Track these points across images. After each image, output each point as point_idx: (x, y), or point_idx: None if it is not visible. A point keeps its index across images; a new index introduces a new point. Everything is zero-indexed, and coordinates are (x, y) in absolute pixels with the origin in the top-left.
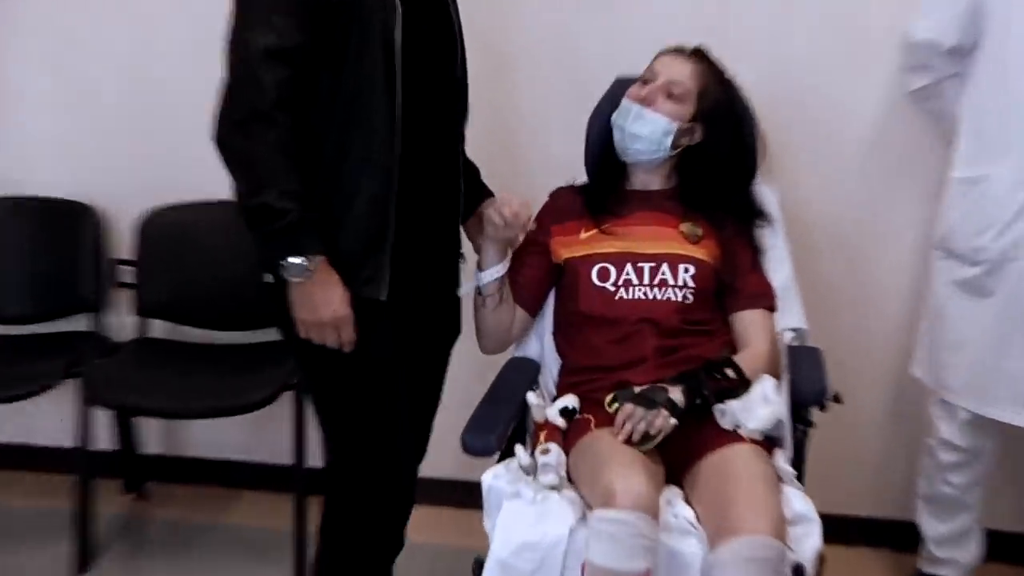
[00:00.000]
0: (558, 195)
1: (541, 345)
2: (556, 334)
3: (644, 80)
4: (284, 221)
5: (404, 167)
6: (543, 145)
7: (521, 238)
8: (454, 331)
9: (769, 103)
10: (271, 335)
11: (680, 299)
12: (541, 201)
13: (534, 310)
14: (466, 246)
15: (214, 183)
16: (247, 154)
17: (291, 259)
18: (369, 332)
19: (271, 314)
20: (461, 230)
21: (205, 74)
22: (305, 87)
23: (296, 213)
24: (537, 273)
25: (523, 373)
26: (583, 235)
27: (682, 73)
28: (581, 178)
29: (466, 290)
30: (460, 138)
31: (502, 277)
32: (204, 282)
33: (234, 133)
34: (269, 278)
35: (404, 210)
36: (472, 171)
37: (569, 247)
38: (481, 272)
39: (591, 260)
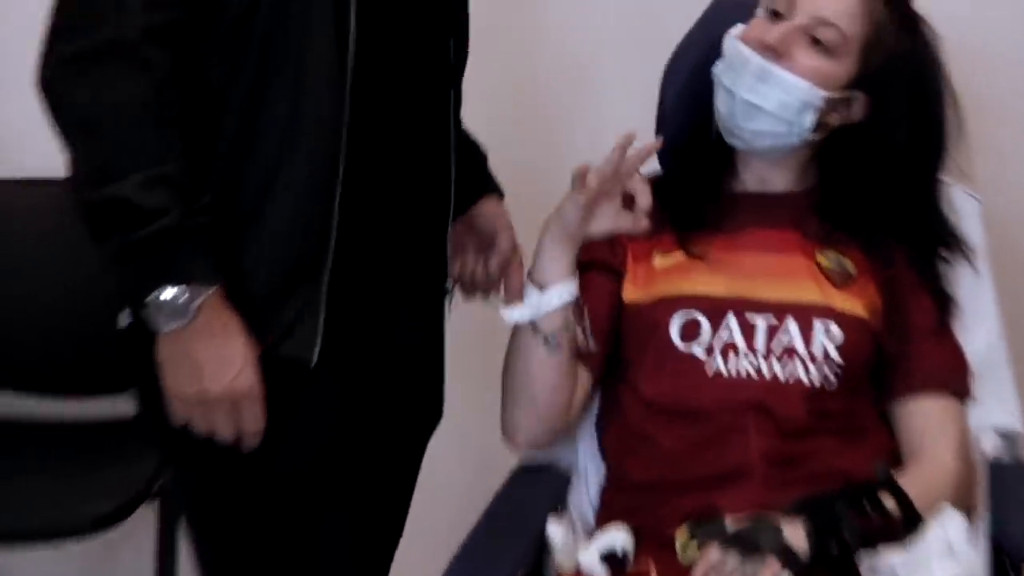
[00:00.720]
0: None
1: (573, 442)
2: (601, 426)
3: (773, 11)
4: (153, 227)
5: (358, 142)
6: (592, 109)
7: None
8: (432, 413)
9: (968, 58)
10: (124, 408)
11: (814, 380)
12: None
13: (601, 369)
14: None
15: (30, 152)
16: (93, 111)
17: (163, 291)
18: (288, 417)
19: (125, 377)
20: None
21: None
22: (197, 9)
23: (175, 214)
24: (606, 306)
25: (542, 487)
26: (659, 262)
27: (841, 3)
28: (652, 166)
29: (517, 318)
30: (453, 97)
31: (577, 303)
32: (8, 316)
33: (71, 75)
34: (125, 319)
35: (355, 213)
36: (471, 151)
37: (634, 281)
38: (544, 291)
39: (670, 305)
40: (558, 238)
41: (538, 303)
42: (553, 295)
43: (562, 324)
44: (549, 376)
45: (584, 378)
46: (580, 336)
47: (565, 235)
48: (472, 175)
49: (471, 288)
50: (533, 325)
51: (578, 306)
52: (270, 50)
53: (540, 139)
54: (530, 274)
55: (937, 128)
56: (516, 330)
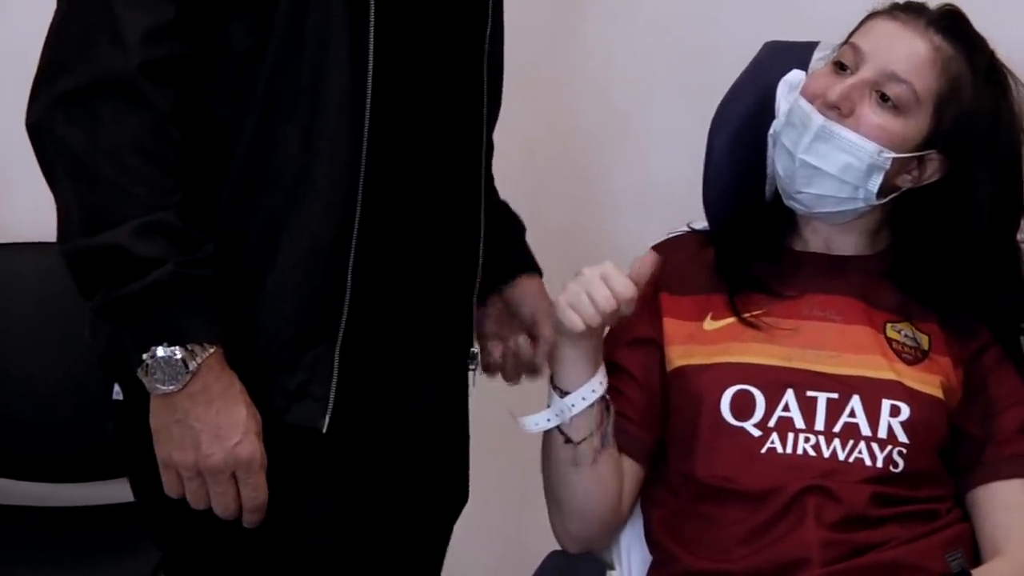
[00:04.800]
0: (669, 249)
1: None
2: (646, 508)
3: (838, 63)
4: (147, 279)
5: (376, 190)
6: (635, 160)
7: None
8: (457, 494)
9: None
10: (117, 493)
11: (879, 463)
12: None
13: (649, 456)
14: None
15: (21, 215)
16: (85, 153)
17: (158, 350)
18: (295, 493)
19: (118, 455)
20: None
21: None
22: (200, 43)
23: (171, 265)
24: (647, 388)
25: None
26: (709, 324)
27: (913, 57)
28: (703, 222)
29: (539, 426)
30: (483, 149)
31: (603, 401)
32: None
33: (62, 115)
34: (118, 392)
35: (372, 269)
36: (507, 220)
37: (683, 345)
38: (566, 396)
39: (721, 376)
40: (568, 341)
41: (560, 410)
42: (576, 399)
43: (594, 426)
44: (587, 483)
45: (633, 469)
46: (596, 442)
47: (575, 337)
48: (508, 248)
49: (513, 373)
50: (561, 432)
51: (604, 404)
52: (281, 87)
53: (579, 192)
54: (551, 376)
55: (1019, 189)
56: (545, 438)
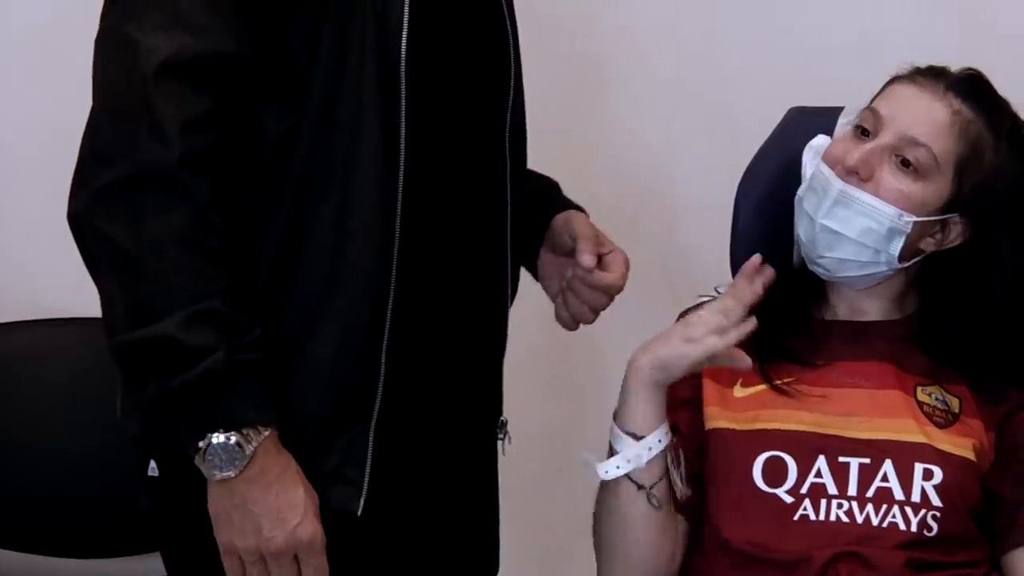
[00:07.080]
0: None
1: None
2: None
3: (859, 128)
4: (199, 368)
5: (409, 270)
6: (660, 226)
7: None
8: (488, 566)
9: None
10: (149, 568)
11: (913, 527)
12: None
13: (694, 513)
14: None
15: (56, 291)
16: (129, 246)
17: (213, 437)
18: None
19: (151, 531)
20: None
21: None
22: (236, 132)
23: (221, 353)
24: (694, 446)
25: None
26: (739, 391)
27: (931, 121)
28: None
29: (613, 472)
30: (508, 214)
31: (674, 446)
32: (26, 471)
33: (104, 208)
34: (154, 468)
35: (405, 348)
36: (535, 191)
37: (716, 407)
38: (641, 440)
39: (753, 442)
40: (659, 382)
41: (636, 454)
42: (652, 443)
43: (661, 474)
44: (651, 535)
45: (684, 526)
46: (679, 485)
47: (667, 378)
48: (545, 202)
49: (578, 310)
50: (631, 480)
51: (674, 449)
52: (313, 170)
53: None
54: (617, 420)
55: None
56: (607, 487)
